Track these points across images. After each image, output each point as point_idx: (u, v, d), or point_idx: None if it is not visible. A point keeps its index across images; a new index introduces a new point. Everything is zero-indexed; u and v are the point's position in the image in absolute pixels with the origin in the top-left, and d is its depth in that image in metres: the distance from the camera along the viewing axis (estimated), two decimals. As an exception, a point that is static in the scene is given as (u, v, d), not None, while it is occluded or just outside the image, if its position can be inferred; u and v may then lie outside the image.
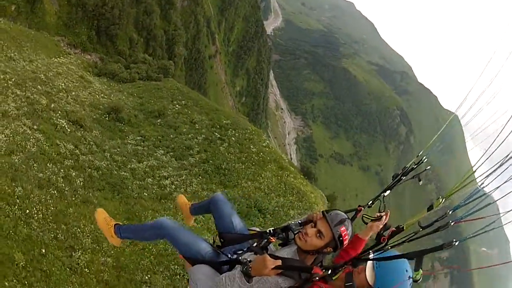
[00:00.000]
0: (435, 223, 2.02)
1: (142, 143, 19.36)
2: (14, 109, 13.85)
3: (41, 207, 9.03)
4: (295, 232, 2.85)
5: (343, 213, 2.70)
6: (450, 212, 2.00)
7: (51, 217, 9.08)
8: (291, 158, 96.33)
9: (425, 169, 3.19)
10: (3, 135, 11.22)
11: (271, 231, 2.98)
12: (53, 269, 8.11)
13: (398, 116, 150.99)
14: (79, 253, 8.97)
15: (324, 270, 2.44)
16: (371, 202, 3.21)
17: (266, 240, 2.92)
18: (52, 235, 8.73)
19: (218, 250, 3.06)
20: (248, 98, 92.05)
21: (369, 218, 2.97)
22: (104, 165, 14.25)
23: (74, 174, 11.89)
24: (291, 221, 3.03)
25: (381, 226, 2.87)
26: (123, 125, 21.00)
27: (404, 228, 2.24)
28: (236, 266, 2.78)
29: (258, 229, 3.24)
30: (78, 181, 11.72)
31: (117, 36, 36.18)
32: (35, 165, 10.73)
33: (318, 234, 2.60)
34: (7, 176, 9.15)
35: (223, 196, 3.44)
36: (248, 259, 2.60)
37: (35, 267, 7.76)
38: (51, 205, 9.45)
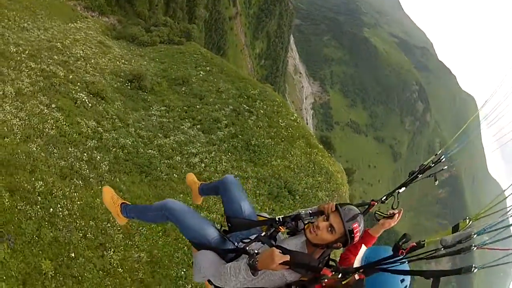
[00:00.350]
0: (457, 245, 1.80)
1: (167, 114, 18.11)
2: (29, 85, 12.56)
3: (65, 202, 7.99)
4: (305, 222, 2.76)
5: (355, 208, 2.57)
6: (475, 236, 1.78)
7: (77, 213, 8.07)
8: (307, 123, 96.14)
9: (442, 169, 3.08)
10: (17, 119, 9.98)
11: (280, 220, 2.88)
12: (85, 273, 7.25)
13: (416, 92, 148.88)
14: (111, 252, 8.12)
15: (334, 273, 2.32)
16: (384, 197, 3.13)
17: (274, 229, 2.84)
18: (81, 234, 7.78)
19: (225, 236, 2.94)
20: (268, 61, 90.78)
21: (381, 215, 2.89)
22: (130, 142, 13.13)
23: (98, 157, 10.79)
24: (302, 210, 2.89)
25: (393, 224, 2.83)
26: (146, 94, 19.72)
27: (425, 244, 1.97)
28: (242, 256, 2.71)
29: (267, 216, 3.13)
30: (103, 165, 10.63)
31: (136, -3, 34.03)
32: (55, 151, 9.58)
33: (329, 229, 2.49)
34: (25, 169, 8.04)
35: (234, 179, 3.27)
36: (256, 251, 2.52)
37: (65, 274, 6.87)
38: (76, 198, 8.41)
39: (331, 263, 2.67)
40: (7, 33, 17.36)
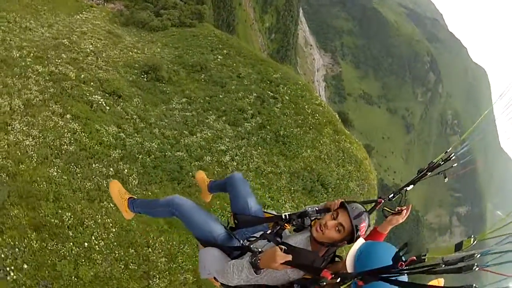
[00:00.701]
0: (459, 263, 1.76)
1: (189, 107, 16.95)
2: (37, 93, 11.39)
3: (100, 232, 7.03)
4: (312, 219, 2.77)
5: (361, 206, 2.54)
6: (478, 256, 1.71)
7: (114, 242, 7.13)
8: (319, 95, 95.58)
9: (451, 166, 3.00)
10: (30, 138, 8.82)
11: (287, 217, 2.86)
12: (134, 308, 6.39)
13: (428, 63, 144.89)
14: (157, 279, 7.33)
15: (333, 276, 2.22)
16: (392, 195, 3.05)
17: (280, 227, 2.84)
18: (122, 265, 6.88)
19: (231, 233, 2.91)
20: (278, 34, 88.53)
21: (389, 211, 2.85)
22: (155, 145, 12.07)
23: (126, 170, 9.74)
24: (308, 207, 2.87)
25: (401, 221, 2.81)
26: (164, 85, 18.54)
27: (426, 259, 1.87)
28: (247, 253, 2.68)
29: (274, 213, 3.13)
30: (132, 178, 9.60)
31: (141, -21, 32.09)
32: (77, 170, 8.51)
33: (337, 228, 2.46)
34: (48, 199, 7.04)
35: (241, 176, 3.28)
36: (260, 250, 2.54)
37: (113, 313, 6.01)
38: (110, 223, 7.44)
39: (336, 259, 2.62)
40: (9, 37, 16.10)
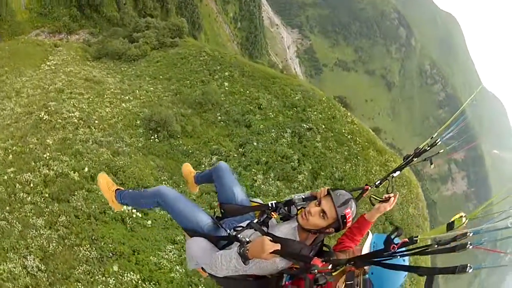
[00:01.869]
0: (452, 242, 1.70)
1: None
2: (47, 231, 8.07)
3: None
4: (298, 208, 2.69)
5: (348, 193, 2.45)
6: (471, 235, 1.66)
7: None
8: (295, 73, 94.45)
9: (438, 152, 3.04)
10: None
11: (273, 205, 2.77)
12: None
13: (396, 19, 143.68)
14: None
15: (323, 263, 2.25)
16: (379, 182, 3.00)
17: (266, 215, 2.72)
18: None
19: (218, 223, 2.80)
20: (244, 22, 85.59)
21: (377, 199, 2.82)
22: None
23: None
24: (294, 195, 2.80)
25: (389, 208, 2.78)
26: (180, 141, 15.28)
27: (418, 241, 1.81)
28: (235, 243, 2.57)
29: (260, 202, 3.05)
30: None
31: (102, 3, 27.54)
32: None
33: (321, 214, 2.38)
34: None
35: (226, 165, 3.13)
36: (247, 239, 2.43)
37: None
38: None
39: (324, 248, 2.59)
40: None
